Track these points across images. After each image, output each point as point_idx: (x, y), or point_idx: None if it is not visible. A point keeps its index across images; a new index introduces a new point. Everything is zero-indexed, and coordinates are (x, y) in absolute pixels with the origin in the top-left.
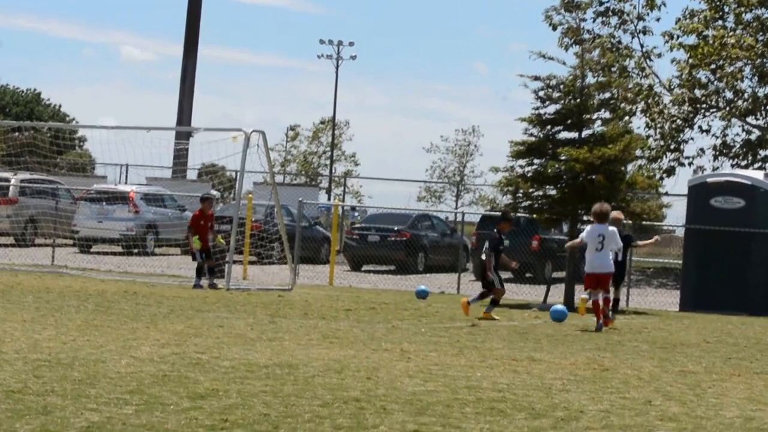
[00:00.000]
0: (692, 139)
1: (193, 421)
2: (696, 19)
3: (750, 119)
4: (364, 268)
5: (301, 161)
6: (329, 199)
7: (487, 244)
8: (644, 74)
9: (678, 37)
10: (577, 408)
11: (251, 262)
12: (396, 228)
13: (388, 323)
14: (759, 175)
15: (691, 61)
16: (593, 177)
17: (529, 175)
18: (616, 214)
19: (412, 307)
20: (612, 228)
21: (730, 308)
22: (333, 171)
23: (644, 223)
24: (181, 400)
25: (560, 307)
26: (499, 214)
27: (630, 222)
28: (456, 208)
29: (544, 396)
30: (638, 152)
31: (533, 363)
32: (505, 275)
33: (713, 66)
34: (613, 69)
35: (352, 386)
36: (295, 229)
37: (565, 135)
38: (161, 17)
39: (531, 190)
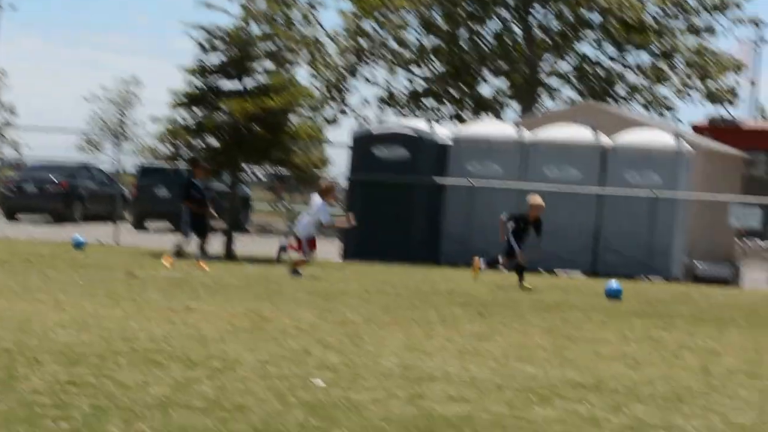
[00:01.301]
0: (357, 89)
1: None
2: None
3: (414, 69)
4: (22, 218)
5: None
6: None
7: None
8: (309, 24)
9: None
10: (233, 358)
11: None
12: (54, 178)
13: (43, 274)
14: (422, 125)
15: (356, 11)
16: (254, 128)
17: (191, 125)
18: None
19: (68, 258)
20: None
21: (393, 257)
22: None
23: (306, 173)
24: None
25: (615, 284)
26: (153, 165)
27: (291, 173)
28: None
29: (201, 346)
30: (302, 102)
31: (190, 313)
32: (164, 225)
33: (379, 16)
34: (278, 19)
35: (3, 337)
36: None
37: (228, 86)
38: None
39: (192, 140)
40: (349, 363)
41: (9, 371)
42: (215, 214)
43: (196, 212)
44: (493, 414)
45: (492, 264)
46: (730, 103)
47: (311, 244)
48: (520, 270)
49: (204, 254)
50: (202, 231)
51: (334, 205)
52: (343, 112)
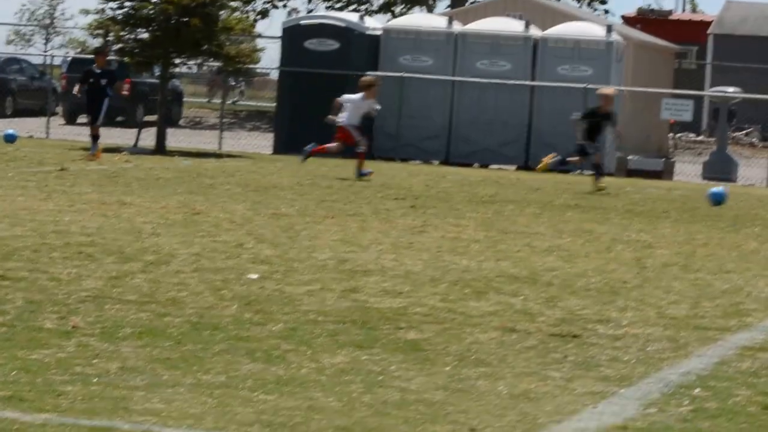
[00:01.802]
0: None
1: None
2: None
3: None
4: None
5: None
6: None
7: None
8: None
9: None
10: (167, 252)
11: None
12: None
13: None
14: (354, 17)
15: None
16: (187, 20)
17: (120, 17)
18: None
19: None
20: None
21: None
22: None
23: (239, 66)
24: None
25: (717, 189)
26: (89, 56)
27: (223, 65)
28: (45, 51)
29: (134, 240)
30: None
31: (123, 207)
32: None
33: None
34: None
35: None
36: None
37: None
38: None
39: (122, 33)
40: (283, 256)
41: None
42: (123, 94)
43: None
44: (428, 307)
45: (562, 164)
46: None
47: (355, 132)
48: (596, 169)
49: (95, 141)
50: (94, 116)
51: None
52: (272, 4)
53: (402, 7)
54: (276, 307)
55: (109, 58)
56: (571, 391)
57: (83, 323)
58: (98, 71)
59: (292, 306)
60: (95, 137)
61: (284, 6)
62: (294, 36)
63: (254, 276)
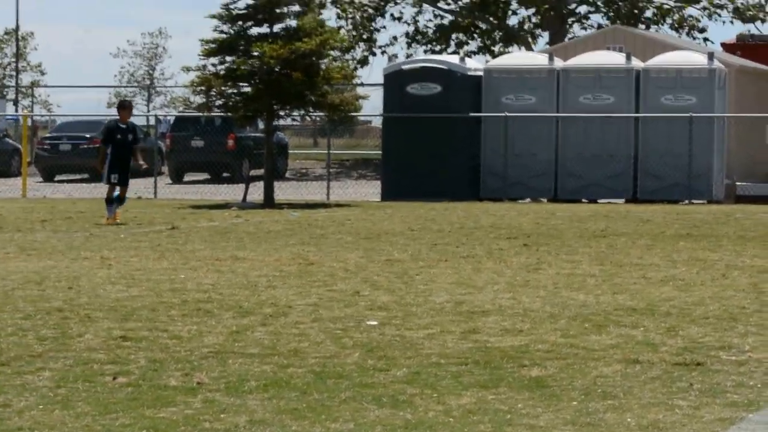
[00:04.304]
0: (384, 27)
1: None
2: None
3: (441, 4)
4: (57, 178)
5: None
6: (17, 110)
7: None
8: None
9: None
10: (285, 303)
11: None
12: (88, 135)
13: (86, 231)
14: (454, 59)
15: None
16: (288, 72)
17: (222, 73)
18: None
19: None
20: None
21: (433, 195)
22: (19, 82)
23: (343, 114)
24: None
25: None
26: (192, 114)
27: (328, 115)
28: (148, 111)
29: (251, 294)
30: (334, 44)
31: (237, 262)
32: (201, 176)
33: None
34: None
35: (53, 297)
36: None
37: (257, 30)
38: None
39: (224, 88)
40: (400, 301)
41: (62, 330)
42: (141, 162)
43: (117, 157)
44: (549, 343)
45: None
46: (761, 20)
47: None
48: None
49: (121, 203)
50: (123, 177)
51: None
52: (372, 52)
53: (500, 46)
54: (398, 352)
55: (213, 114)
56: (699, 419)
57: (208, 379)
58: (123, 126)
59: (413, 350)
60: (122, 199)
61: (383, 53)
62: (395, 81)
63: (374, 323)
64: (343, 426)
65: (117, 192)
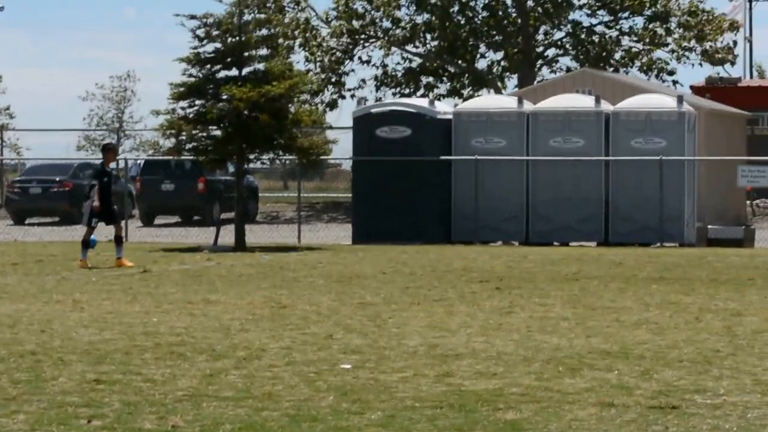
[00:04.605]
0: (353, 70)
1: None
2: None
3: (409, 47)
4: (28, 221)
5: None
6: None
7: None
8: (300, 8)
9: None
10: (258, 347)
11: None
12: (57, 178)
13: (57, 275)
14: (423, 102)
15: None
16: (257, 115)
17: (192, 116)
18: None
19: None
20: None
21: (404, 238)
22: None
23: (313, 158)
24: None
25: None
26: (162, 158)
27: (297, 158)
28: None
29: (224, 337)
30: (303, 88)
31: (209, 305)
32: (172, 219)
33: None
34: (269, 4)
35: (26, 340)
36: None
37: (225, 73)
38: None
39: (194, 131)
40: (374, 345)
41: (36, 373)
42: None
43: (101, 200)
44: (524, 387)
45: None
46: (730, 63)
47: None
48: None
49: (119, 243)
50: (112, 216)
51: None
52: (341, 95)
53: (469, 89)
54: (372, 395)
55: (183, 157)
56: None
57: (183, 422)
58: (108, 169)
59: (387, 393)
60: (119, 238)
61: (352, 96)
62: (365, 125)
63: (347, 366)
64: None
65: (93, 236)
